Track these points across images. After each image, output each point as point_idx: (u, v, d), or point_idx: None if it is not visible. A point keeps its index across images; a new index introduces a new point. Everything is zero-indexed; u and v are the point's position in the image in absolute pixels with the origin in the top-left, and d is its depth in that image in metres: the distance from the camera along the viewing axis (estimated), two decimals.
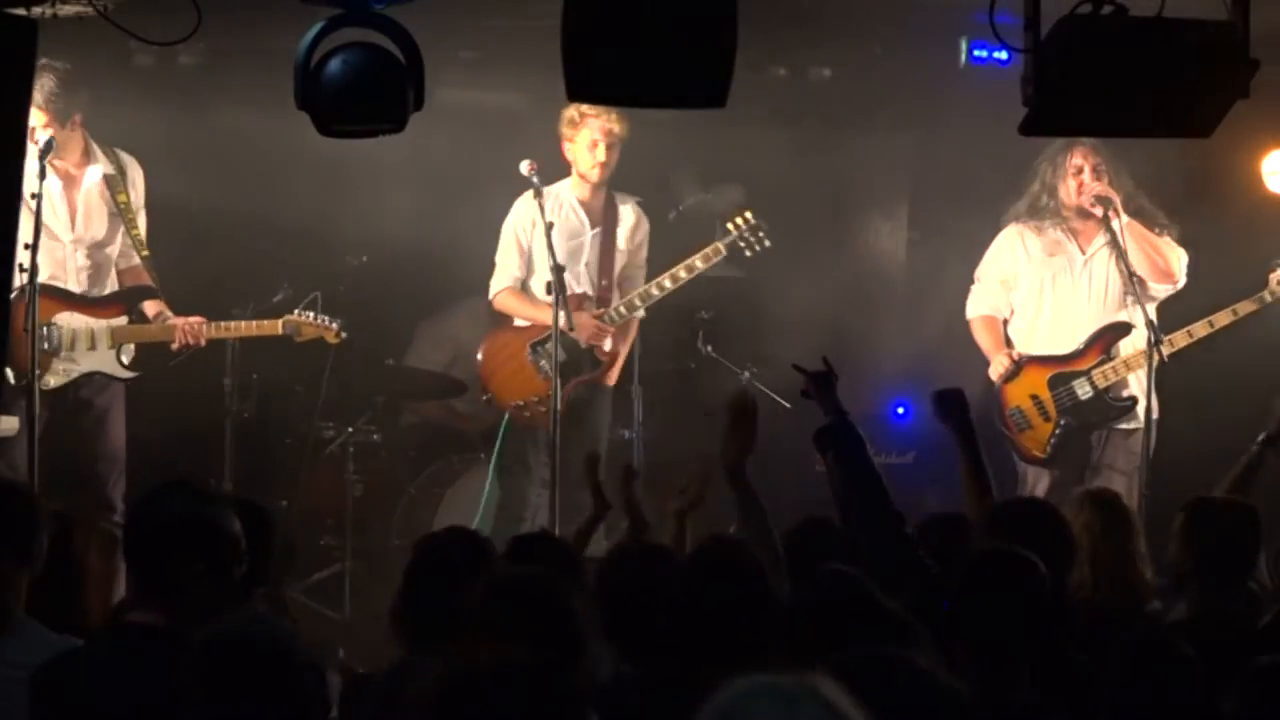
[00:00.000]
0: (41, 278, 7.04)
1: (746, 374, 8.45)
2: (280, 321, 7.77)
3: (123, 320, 7.54)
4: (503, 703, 2.74)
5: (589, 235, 8.02)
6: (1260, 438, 5.90)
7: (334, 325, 7.84)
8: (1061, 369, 7.91)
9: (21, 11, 4.55)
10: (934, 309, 8.63)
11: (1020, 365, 7.95)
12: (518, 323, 8.09)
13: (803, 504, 5.64)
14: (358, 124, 5.02)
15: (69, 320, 7.41)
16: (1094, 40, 4.79)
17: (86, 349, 7.41)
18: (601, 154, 7.90)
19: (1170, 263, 7.88)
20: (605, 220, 8.07)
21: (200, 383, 7.97)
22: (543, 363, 7.88)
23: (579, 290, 7.98)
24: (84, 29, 6.47)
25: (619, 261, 8.13)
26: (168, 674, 3.74)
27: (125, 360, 7.55)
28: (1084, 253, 7.99)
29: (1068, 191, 7.93)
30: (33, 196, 6.85)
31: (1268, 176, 8.26)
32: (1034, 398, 7.93)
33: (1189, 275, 7.98)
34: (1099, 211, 7.78)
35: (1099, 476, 7.74)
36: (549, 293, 7.60)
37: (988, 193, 8.27)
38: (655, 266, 8.21)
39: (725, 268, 8.34)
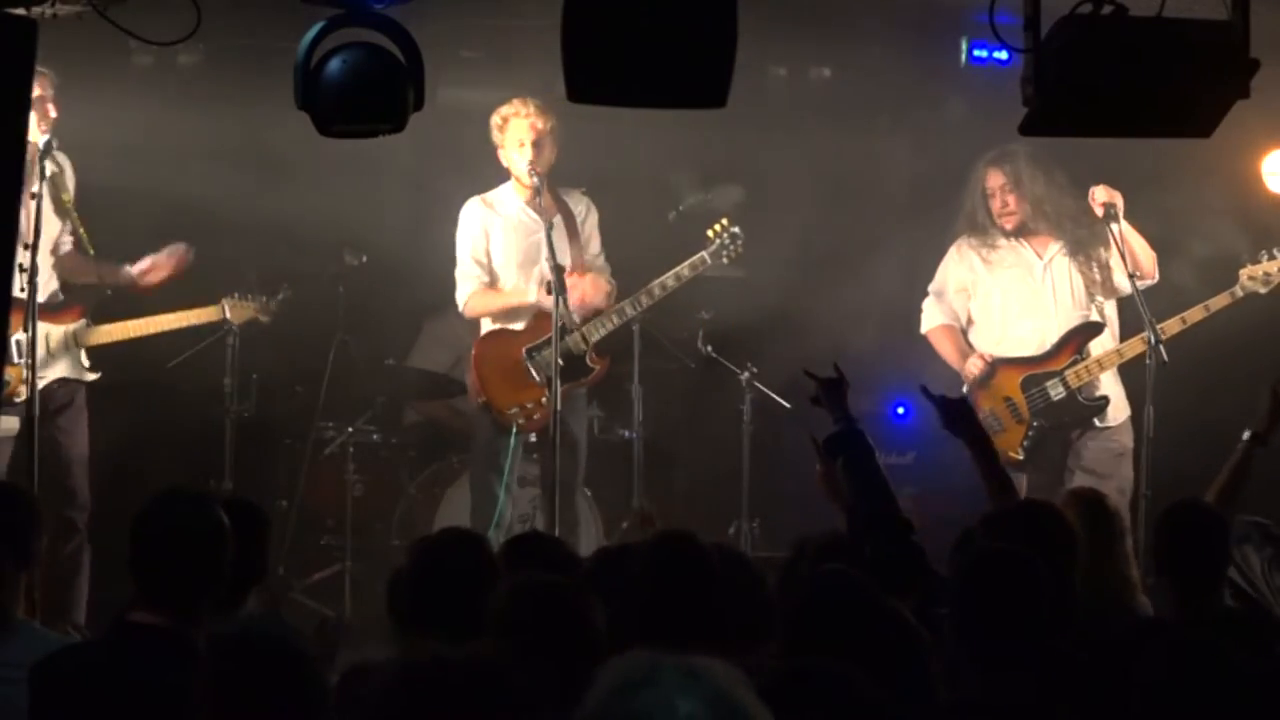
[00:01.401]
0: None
1: (746, 374, 8.45)
2: (219, 306, 7.86)
3: (82, 323, 7.54)
4: (444, 701, 2.76)
5: (544, 231, 7.94)
6: (1246, 435, 5.88)
7: (268, 300, 7.94)
8: (1034, 370, 7.93)
9: (21, 11, 4.54)
10: None
11: (994, 368, 7.96)
12: (485, 326, 8.06)
13: (804, 503, 5.64)
14: (358, 124, 5.02)
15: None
16: (1094, 40, 4.79)
17: (49, 355, 7.37)
18: (529, 152, 7.83)
19: (1150, 261, 7.88)
20: (560, 212, 8.02)
21: (200, 383, 7.97)
22: (532, 371, 7.88)
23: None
24: (84, 29, 6.47)
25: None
26: (169, 673, 3.78)
27: (86, 363, 7.55)
28: (1041, 258, 8.01)
29: (990, 213, 8.01)
30: (32, 196, 6.85)
31: (1268, 176, 8.27)
32: (1007, 400, 7.93)
33: (1190, 274, 8.00)
34: (1100, 213, 7.78)
35: (1075, 477, 7.75)
36: (549, 293, 7.60)
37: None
38: (656, 267, 8.21)
39: (725, 268, 8.34)
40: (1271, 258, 7.73)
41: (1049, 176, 7.95)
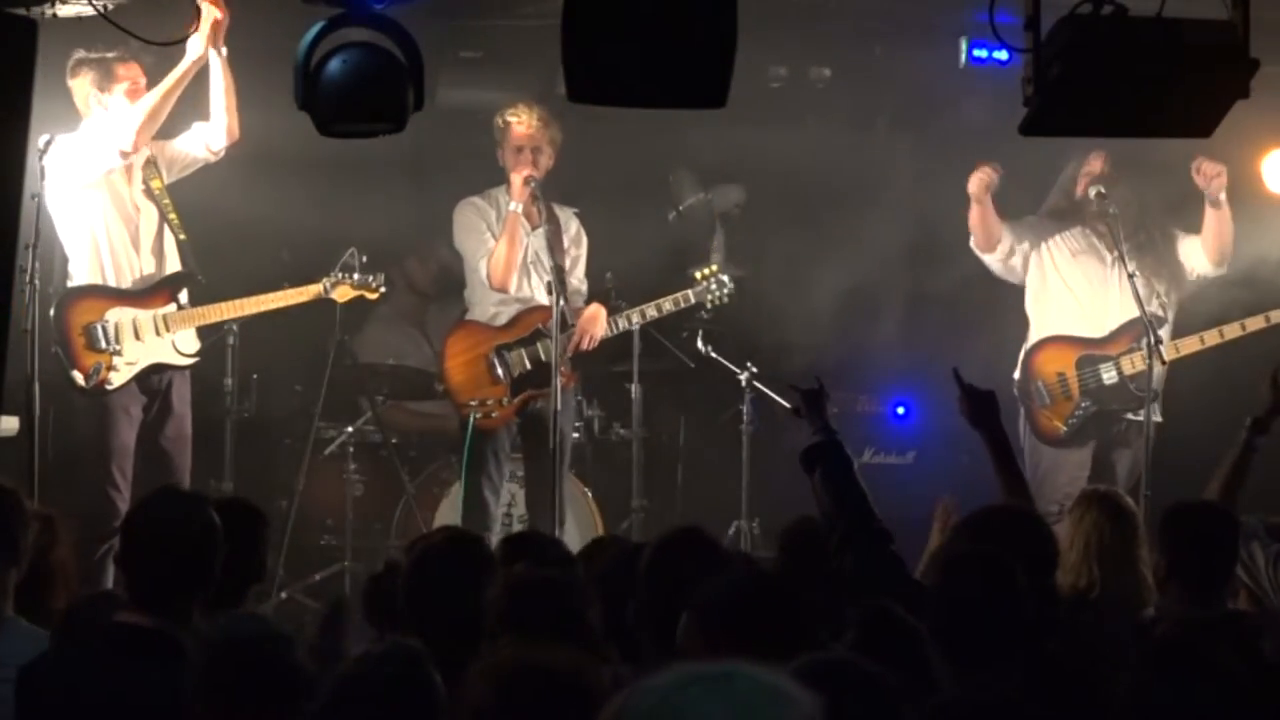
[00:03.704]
0: (111, 274, 7.31)
1: (745, 374, 8.45)
2: (320, 285, 7.81)
3: (171, 308, 7.52)
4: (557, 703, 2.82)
5: (531, 238, 7.95)
6: (1248, 422, 5.88)
7: (373, 281, 7.90)
8: (1091, 351, 8.03)
9: (21, 11, 4.54)
10: (934, 309, 8.64)
11: (1050, 341, 8.02)
12: (469, 315, 8.06)
13: (804, 503, 5.63)
14: (358, 124, 5.02)
15: (119, 315, 7.39)
16: (1094, 40, 4.79)
17: (139, 341, 7.38)
18: (527, 158, 7.84)
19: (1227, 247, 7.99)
20: (548, 222, 7.99)
21: (200, 383, 7.97)
22: (499, 369, 7.88)
23: (540, 295, 7.92)
24: (84, 29, 6.48)
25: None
26: (156, 673, 3.78)
27: (185, 349, 7.54)
28: (1112, 251, 8.06)
29: (1074, 194, 8.07)
30: (33, 197, 6.85)
31: (1268, 176, 8.28)
32: (1060, 375, 8.02)
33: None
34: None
35: (1108, 461, 7.85)
36: (550, 293, 7.61)
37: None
38: (655, 267, 8.21)
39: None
40: None
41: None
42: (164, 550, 4.08)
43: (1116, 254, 8.00)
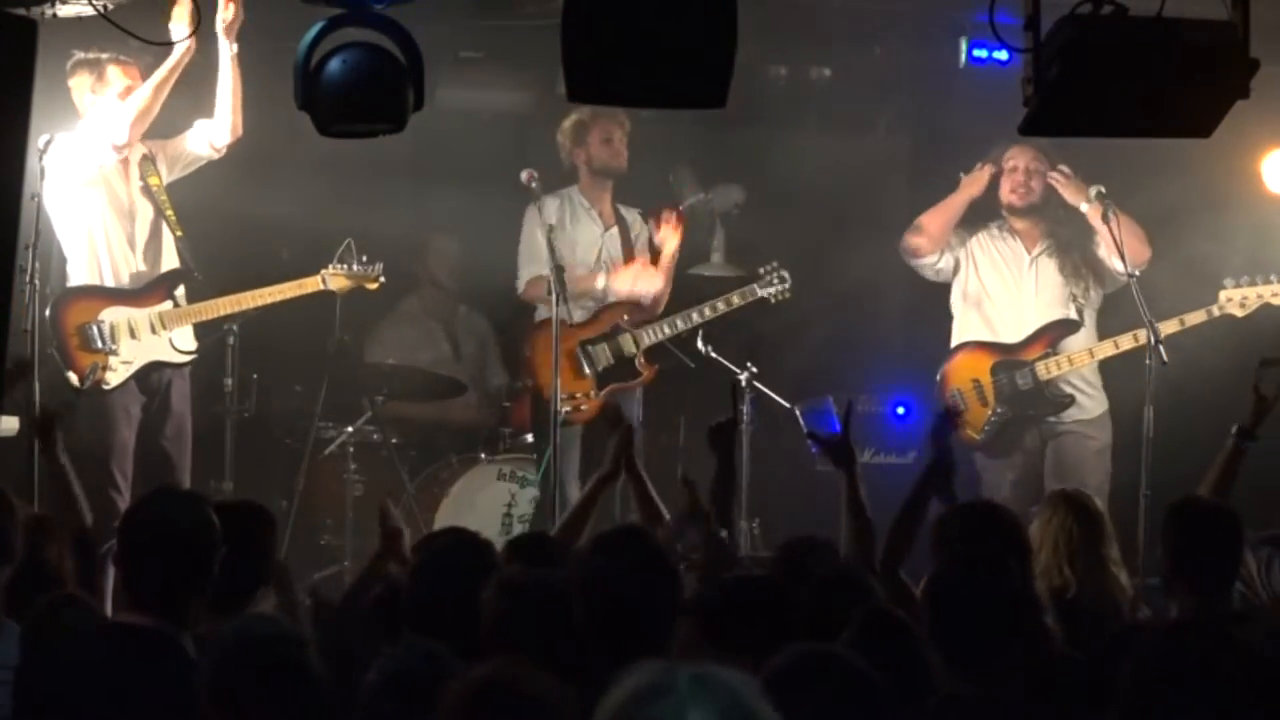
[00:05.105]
0: (108, 272, 7.30)
1: (745, 374, 8.44)
2: (318, 276, 7.80)
3: (167, 305, 7.51)
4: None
5: (605, 237, 8.00)
6: (1234, 429, 5.89)
7: (372, 270, 7.88)
8: (1006, 357, 8.02)
9: (22, 11, 4.54)
10: (933, 309, 8.63)
11: (966, 347, 8.01)
12: (540, 314, 8.06)
13: (802, 503, 5.65)
14: (357, 124, 5.03)
15: (114, 315, 7.39)
16: (1094, 40, 4.79)
17: (135, 340, 7.38)
18: (618, 145, 7.92)
19: (1142, 243, 7.94)
20: (618, 223, 8.06)
21: (200, 383, 7.98)
22: (585, 364, 7.94)
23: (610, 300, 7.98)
24: (84, 29, 6.48)
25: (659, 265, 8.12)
26: (153, 674, 3.78)
27: (183, 346, 7.53)
28: (1029, 253, 8.06)
29: (1004, 190, 8.06)
30: (32, 197, 6.85)
31: (1268, 177, 8.27)
32: (974, 381, 8.01)
33: (1188, 275, 8.01)
34: (1098, 209, 7.81)
35: (1054, 475, 7.76)
36: (548, 292, 7.62)
37: (987, 193, 8.27)
38: None
39: (725, 268, 8.35)
40: (1253, 282, 7.76)
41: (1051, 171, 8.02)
42: (161, 550, 4.07)
43: (1035, 249, 8.00)
